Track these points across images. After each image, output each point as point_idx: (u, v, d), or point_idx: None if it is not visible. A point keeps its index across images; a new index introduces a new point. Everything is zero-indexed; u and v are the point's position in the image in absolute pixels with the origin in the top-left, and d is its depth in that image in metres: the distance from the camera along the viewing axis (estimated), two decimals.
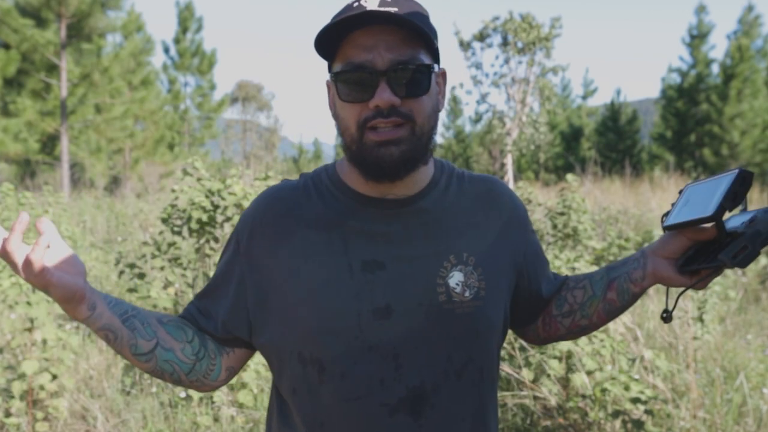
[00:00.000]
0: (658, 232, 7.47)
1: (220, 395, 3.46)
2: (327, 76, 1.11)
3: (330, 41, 1.04)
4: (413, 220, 1.10)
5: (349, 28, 1.01)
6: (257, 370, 3.48)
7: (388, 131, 1.01)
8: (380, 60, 1.00)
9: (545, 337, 1.31)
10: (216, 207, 4.73)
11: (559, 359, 3.31)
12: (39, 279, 0.94)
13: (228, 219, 4.71)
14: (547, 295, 1.26)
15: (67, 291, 0.97)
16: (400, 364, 1.04)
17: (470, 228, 1.14)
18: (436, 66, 1.08)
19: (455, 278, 1.08)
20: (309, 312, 1.06)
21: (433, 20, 1.12)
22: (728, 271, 6.38)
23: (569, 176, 7.20)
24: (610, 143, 26.13)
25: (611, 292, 1.18)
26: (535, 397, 3.36)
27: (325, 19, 1.15)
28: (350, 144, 1.05)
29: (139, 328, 1.07)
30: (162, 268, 4.74)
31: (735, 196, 0.91)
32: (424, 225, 1.11)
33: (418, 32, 1.01)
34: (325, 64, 1.11)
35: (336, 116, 1.09)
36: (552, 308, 1.27)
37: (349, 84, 1.03)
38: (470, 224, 1.14)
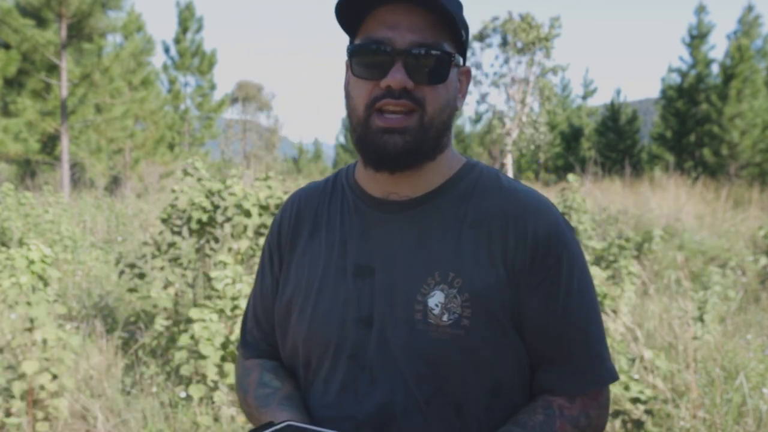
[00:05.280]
0: (658, 232, 7.47)
1: (221, 395, 3.46)
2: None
3: (354, 15, 0.98)
4: (411, 225, 1.02)
5: (374, 3, 0.96)
6: None
7: (395, 119, 0.95)
8: (400, 39, 0.94)
9: None
10: (216, 207, 4.73)
11: None
12: None
13: (228, 219, 4.71)
14: (537, 385, 1.02)
15: None
16: (374, 377, 0.98)
17: (470, 246, 0.99)
18: (460, 59, 1.00)
19: (435, 298, 0.97)
20: (302, 315, 1.05)
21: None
22: (728, 271, 6.38)
23: (570, 176, 7.20)
24: (610, 143, 26.11)
25: None
26: None
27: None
28: (356, 126, 0.99)
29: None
30: (162, 268, 4.74)
31: None
32: (420, 233, 1.01)
33: (447, 18, 0.95)
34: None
35: (347, 95, 1.02)
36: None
37: (364, 59, 0.97)
38: (472, 242, 0.99)
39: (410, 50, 0.94)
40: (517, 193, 1.02)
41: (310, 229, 1.10)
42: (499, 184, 1.04)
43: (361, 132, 0.98)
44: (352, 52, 0.98)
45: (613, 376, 1.02)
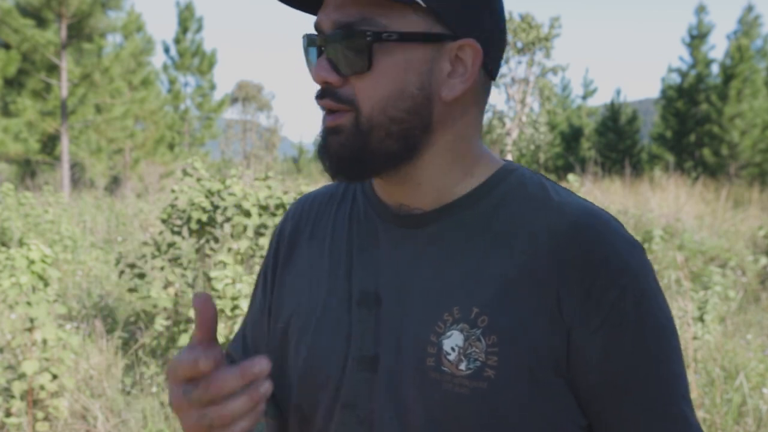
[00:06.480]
0: (658, 232, 7.47)
1: None
2: None
3: None
4: (427, 245, 0.79)
5: None
6: None
7: (331, 117, 0.76)
8: (327, 22, 0.74)
9: None
10: (216, 207, 4.73)
11: None
12: None
13: (228, 219, 4.71)
14: None
15: None
16: None
17: (500, 274, 0.75)
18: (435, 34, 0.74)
19: (452, 340, 0.74)
20: (300, 345, 0.84)
21: None
22: (728, 271, 6.38)
23: (571, 176, 7.20)
24: (610, 143, 26.11)
25: None
26: None
27: None
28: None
29: None
30: (162, 268, 4.74)
31: None
32: (437, 256, 0.78)
33: None
34: None
35: None
36: None
37: (304, 52, 0.81)
38: (504, 269, 0.75)
39: (332, 35, 0.74)
40: (566, 207, 0.77)
41: (308, 237, 0.90)
42: (544, 194, 0.78)
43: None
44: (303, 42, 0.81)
45: None
